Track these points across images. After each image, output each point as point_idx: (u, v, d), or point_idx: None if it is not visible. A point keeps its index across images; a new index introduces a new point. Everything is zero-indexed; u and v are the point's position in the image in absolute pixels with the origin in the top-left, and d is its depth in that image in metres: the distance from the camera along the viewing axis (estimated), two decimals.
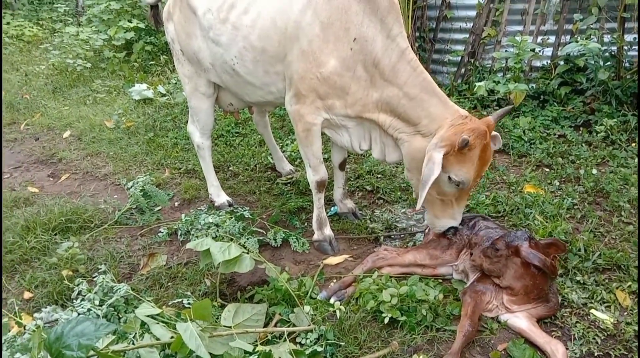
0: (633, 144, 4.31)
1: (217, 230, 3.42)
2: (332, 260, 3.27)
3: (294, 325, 2.58)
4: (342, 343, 2.50)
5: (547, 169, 4.17)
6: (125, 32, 7.85)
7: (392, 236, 3.51)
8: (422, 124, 2.76)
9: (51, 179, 4.67)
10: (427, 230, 3.24)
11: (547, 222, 3.34)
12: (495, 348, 2.53)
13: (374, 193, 4.08)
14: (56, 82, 7.45)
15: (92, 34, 8.06)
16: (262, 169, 4.63)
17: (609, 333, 2.56)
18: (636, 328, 2.54)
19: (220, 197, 3.95)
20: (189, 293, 2.81)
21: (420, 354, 2.49)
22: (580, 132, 4.66)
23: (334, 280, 3.01)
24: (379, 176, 4.28)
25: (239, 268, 2.56)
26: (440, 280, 2.99)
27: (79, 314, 2.36)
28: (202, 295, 2.91)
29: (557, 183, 3.91)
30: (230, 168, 4.67)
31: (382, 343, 2.55)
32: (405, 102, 2.77)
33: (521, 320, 2.62)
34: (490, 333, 2.61)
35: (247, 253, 2.62)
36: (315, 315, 2.66)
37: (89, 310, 2.38)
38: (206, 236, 3.35)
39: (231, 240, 3.31)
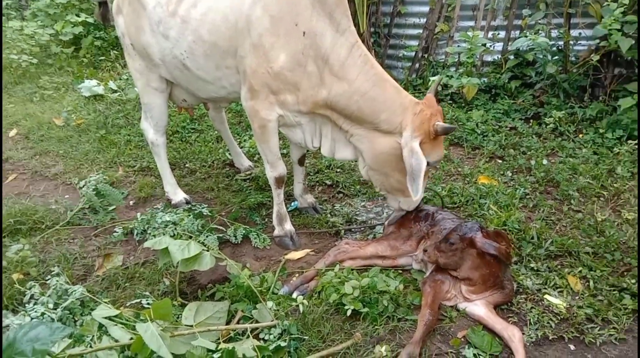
0: (580, 136, 4.49)
1: (175, 228, 3.35)
2: (294, 255, 3.26)
3: (257, 321, 2.55)
4: (306, 337, 2.50)
5: (500, 161, 4.30)
6: (73, 27, 7.57)
7: (353, 230, 3.54)
8: (380, 119, 2.77)
9: None
10: (386, 222, 3.28)
11: (501, 212, 3.44)
12: (455, 336, 2.58)
13: (333, 187, 4.09)
14: None
15: (37, 29, 7.71)
16: (219, 165, 4.57)
17: (562, 317, 2.66)
18: (587, 311, 2.65)
19: (177, 195, 3.87)
20: (147, 293, 2.75)
21: (383, 344, 2.51)
22: (531, 124, 4.82)
23: (296, 275, 3.00)
24: (338, 170, 4.30)
25: (199, 266, 2.52)
26: (400, 271, 3.03)
27: (32, 318, 2.26)
28: (162, 295, 2.85)
29: (510, 174, 4.04)
30: (186, 165, 4.59)
31: (345, 336, 2.56)
32: (358, 98, 2.78)
33: (479, 307, 2.69)
34: (450, 322, 2.67)
35: (207, 251, 2.58)
36: (278, 310, 2.64)
37: (42, 314, 2.28)
38: (163, 234, 3.28)
39: (190, 237, 3.26)
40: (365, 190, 3.99)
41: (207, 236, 3.23)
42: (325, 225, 3.55)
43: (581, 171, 3.91)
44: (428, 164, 2.70)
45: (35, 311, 2.30)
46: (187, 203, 3.82)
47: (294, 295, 2.83)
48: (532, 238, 3.15)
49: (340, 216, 3.64)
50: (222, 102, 3.68)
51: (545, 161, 4.08)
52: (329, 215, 3.66)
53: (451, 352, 2.48)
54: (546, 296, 2.81)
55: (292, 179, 3.70)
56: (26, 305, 2.47)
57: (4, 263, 3.01)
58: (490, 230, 2.74)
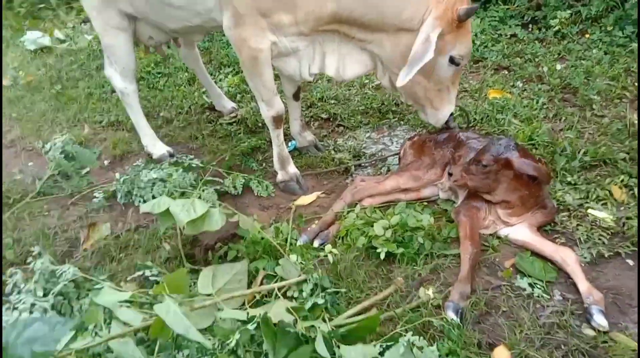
0: (586, 36, 4.16)
1: (165, 186, 2.93)
2: (304, 200, 2.92)
3: (283, 279, 2.23)
4: (342, 290, 2.19)
5: (507, 72, 3.96)
6: None
7: (363, 165, 3.19)
8: (404, 17, 2.36)
9: None
10: (402, 152, 2.94)
11: (523, 125, 3.13)
12: (503, 266, 2.33)
13: (331, 121, 3.70)
14: None
15: None
16: (198, 110, 4.09)
17: (612, 231, 2.43)
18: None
19: (158, 148, 3.42)
20: (149, 262, 2.37)
21: (428, 286, 2.24)
22: (531, 29, 4.46)
23: (315, 222, 2.66)
24: (333, 101, 3.89)
25: (209, 226, 2.14)
26: (426, 203, 2.73)
27: (20, 312, 1.87)
28: (165, 263, 2.48)
29: (521, 84, 3.71)
30: (160, 114, 4.10)
31: (383, 282, 2.28)
32: (377, 1, 2.35)
33: (522, 231, 2.43)
34: (494, 251, 2.41)
35: (215, 207, 2.20)
36: (303, 263, 2.32)
37: (32, 305, 1.89)
38: (152, 194, 2.87)
39: (183, 194, 2.87)
40: (367, 120, 3.62)
41: (203, 191, 2.83)
42: (331, 163, 3.19)
43: (597, 73, 3.61)
44: (453, 61, 2.44)
45: (24, 303, 1.91)
46: (171, 155, 3.39)
47: (315, 244, 2.51)
48: (564, 149, 2.86)
49: (346, 152, 3.28)
50: (196, 34, 3.17)
51: (559, 66, 3.75)
52: (332, 152, 3.30)
53: (505, 285, 2.22)
54: (590, 210, 2.56)
55: (287, 117, 3.29)
56: (9, 296, 2.06)
57: None
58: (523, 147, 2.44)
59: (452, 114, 2.70)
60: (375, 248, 2.38)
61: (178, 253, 2.45)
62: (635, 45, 3.78)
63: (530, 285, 2.21)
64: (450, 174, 2.48)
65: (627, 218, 2.47)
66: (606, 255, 2.31)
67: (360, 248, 2.41)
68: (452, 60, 2.44)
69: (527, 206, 2.42)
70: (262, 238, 2.35)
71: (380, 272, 2.33)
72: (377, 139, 3.41)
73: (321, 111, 3.77)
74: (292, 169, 3.02)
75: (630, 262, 2.28)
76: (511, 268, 2.30)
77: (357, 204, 2.68)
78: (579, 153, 2.82)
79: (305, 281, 2.17)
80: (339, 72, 2.67)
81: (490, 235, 2.51)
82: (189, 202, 2.12)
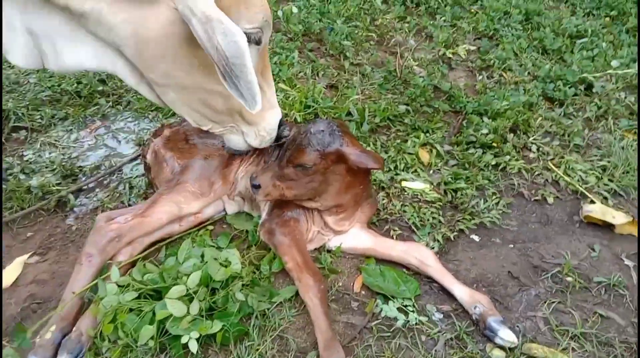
0: None
1: None
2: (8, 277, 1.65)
3: None
4: None
5: None
6: None
7: (85, 188, 2.02)
8: None
9: None
10: (149, 156, 1.91)
11: (286, 86, 2.44)
12: (354, 293, 1.69)
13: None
14: None
15: None
16: None
17: (439, 203, 2.04)
18: (461, 185, 2.08)
19: None
20: None
21: None
22: None
23: (46, 321, 1.46)
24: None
25: None
26: (209, 227, 1.85)
27: None
28: None
29: None
30: None
31: None
32: None
33: (358, 235, 1.84)
34: (332, 273, 1.73)
35: None
36: None
37: None
38: None
39: None
40: (62, 113, 2.36)
41: None
42: (28, 197, 1.92)
43: (333, 13, 3.14)
44: (250, 39, 1.37)
45: None
46: None
47: None
48: (348, 114, 2.33)
49: (48, 172, 2.04)
50: None
51: (295, 10, 3.13)
52: (22, 176, 2.00)
53: (375, 324, 1.58)
54: (404, 183, 2.12)
55: None
56: None
57: None
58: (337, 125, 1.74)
59: (281, 120, 1.71)
60: (178, 338, 1.41)
61: None
62: None
63: (400, 310, 1.63)
64: (256, 187, 1.63)
65: (445, 183, 2.11)
66: (451, 237, 1.90)
67: (149, 346, 1.40)
68: (248, 38, 1.34)
69: (357, 203, 1.79)
70: None
71: None
72: (91, 142, 2.23)
73: None
74: None
75: (476, 238, 1.93)
76: (374, 299, 1.67)
77: (109, 264, 1.59)
78: (367, 115, 2.32)
79: None
80: (58, 61, 1.37)
81: (316, 249, 1.82)
82: None
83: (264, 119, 1.62)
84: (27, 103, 2.35)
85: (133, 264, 1.65)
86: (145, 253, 1.69)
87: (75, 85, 2.49)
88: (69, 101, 2.42)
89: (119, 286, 1.51)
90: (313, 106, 2.31)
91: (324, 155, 1.57)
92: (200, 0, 1.20)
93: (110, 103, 2.43)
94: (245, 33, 1.28)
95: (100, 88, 2.50)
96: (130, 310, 1.47)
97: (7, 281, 1.64)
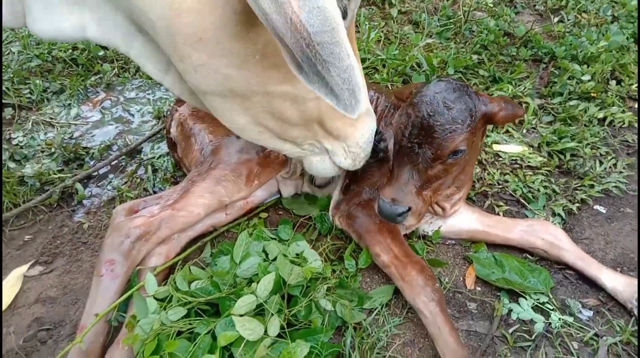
0: None
1: None
2: (9, 295, 1.21)
3: None
4: None
5: None
6: None
7: (94, 175, 1.57)
8: None
9: None
10: (174, 129, 1.46)
11: None
12: (468, 289, 1.26)
13: None
14: None
15: None
16: None
17: (546, 169, 1.61)
18: (569, 145, 1.65)
19: None
20: None
21: None
22: None
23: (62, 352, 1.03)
24: None
25: None
26: (261, 215, 1.41)
27: None
28: None
29: None
30: None
31: None
32: None
33: (461, 215, 1.39)
34: (433, 266, 1.31)
35: None
36: None
37: None
38: None
39: None
40: (57, 84, 1.89)
41: None
42: (22, 189, 1.47)
43: None
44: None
45: None
46: None
47: None
48: (419, 66, 1.88)
49: (47, 158, 1.59)
50: None
51: None
52: (15, 163, 1.55)
53: (511, 332, 1.16)
54: (495, 146, 1.69)
55: None
56: None
57: None
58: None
59: (377, 130, 1.19)
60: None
61: None
62: None
63: (536, 309, 1.21)
64: (404, 213, 1.12)
65: (547, 144, 1.68)
66: (574, 209, 1.47)
67: None
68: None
69: (469, 176, 1.34)
70: None
71: None
72: (96, 118, 1.77)
73: None
74: None
75: (601, 208, 1.50)
76: (499, 297, 1.25)
77: (138, 270, 1.16)
78: (446, 64, 1.88)
79: None
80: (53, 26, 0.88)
81: (405, 235, 1.38)
82: None
83: (356, 129, 1.11)
84: (11, 76, 1.88)
85: (171, 269, 1.22)
86: (187, 252, 1.26)
87: (70, 51, 2.02)
88: (63, 70, 1.95)
89: (157, 300, 1.08)
90: (369, 58, 1.86)
91: (474, 125, 1.10)
92: None
93: (116, 70, 1.96)
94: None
95: (101, 53, 2.03)
96: (179, 333, 1.04)
97: (9, 297, 1.20)
